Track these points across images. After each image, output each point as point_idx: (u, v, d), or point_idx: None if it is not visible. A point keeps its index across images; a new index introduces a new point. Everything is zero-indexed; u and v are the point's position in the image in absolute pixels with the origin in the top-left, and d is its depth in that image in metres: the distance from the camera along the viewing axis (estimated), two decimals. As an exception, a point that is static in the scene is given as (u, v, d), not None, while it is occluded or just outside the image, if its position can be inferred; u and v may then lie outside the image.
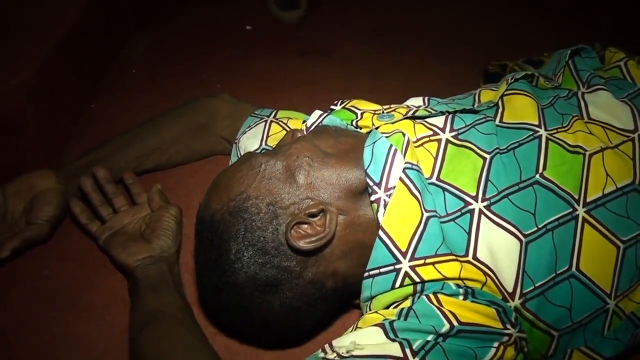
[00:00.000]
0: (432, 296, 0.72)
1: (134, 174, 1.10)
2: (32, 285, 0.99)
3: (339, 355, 0.68)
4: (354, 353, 0.67)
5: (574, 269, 0.74)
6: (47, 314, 0.94)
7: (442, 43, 1.66)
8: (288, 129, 1.06)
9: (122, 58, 1.57)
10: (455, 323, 0.69)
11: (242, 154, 1.08)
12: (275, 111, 1.13)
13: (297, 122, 1.08)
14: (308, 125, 0.98)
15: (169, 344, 0.74)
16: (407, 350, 0.67)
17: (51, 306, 0.95)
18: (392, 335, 0.69)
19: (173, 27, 1.75)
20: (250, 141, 1.07)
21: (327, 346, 0.71)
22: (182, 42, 1.68)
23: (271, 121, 1.09)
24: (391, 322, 0.70)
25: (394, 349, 0.67)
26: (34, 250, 1.03)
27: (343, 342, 0.70)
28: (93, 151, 1.11)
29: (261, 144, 1.06)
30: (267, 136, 1.07)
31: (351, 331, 0.73)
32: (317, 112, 0.98)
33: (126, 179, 1.09)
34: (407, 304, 0.73)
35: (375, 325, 0.71)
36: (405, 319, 0.70)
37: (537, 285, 0.73)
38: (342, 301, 0.85)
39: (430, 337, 0.68)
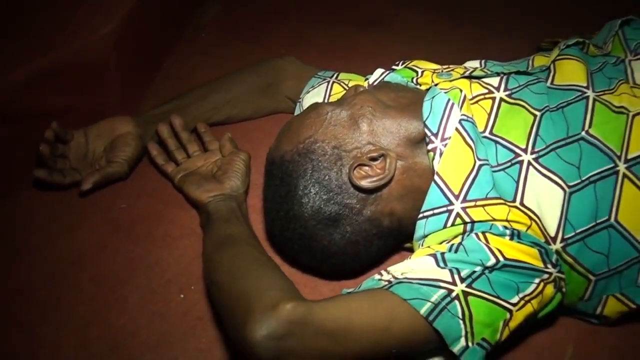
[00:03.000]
0: (480, 234, 0.79)
1: (207, 124, 1.20)
2: (111, 216, 1.09)
3: (393, 276, 0.76)
4: (407, 275, 0.75)
5: (612, 219, 0.80)
6: (125, 241, 1.05)
7: (501, 17, 1.71)
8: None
9: (194, 21, 1.66)
10: (500, 258, 0.76)
11: (305, 112, 1.17)
12: (337, 73, 1.21)
13: (358, 83, 1.16)
14: (370, 82, 1.06)
15: (244, 261, 0.82)
16: (456, 276, 0.74)
17: (129, 234, 1.06)
18: (442, 264, 0.76)
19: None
20: (313, 100, 1.15)
21: (382, 271, 0.79)
22: (249, 10, 1.76)
23: (333, 82, 1.17)
24: (442, 254, 0.78)
25: (444, 274, 0.75)
26: (112, 186, 1.14)
27: (397, 267, 0.79)
28: (169, 102, 1.21)
29: (323, 103, 1.14)
30: (329, 95, 1.15)
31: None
32: (380, 70, 1.06)
33: (199, 128, 1.18)
34: (457, 240, 0.80)
35: (428, 255, 0.78)
36: (455, 252, 0.78)
37: (577, 231, 0.80)
38: (396, 241, 0.93)
39: (477, 268, 0.75)
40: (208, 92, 1.23)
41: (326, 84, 1.17)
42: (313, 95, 1.17)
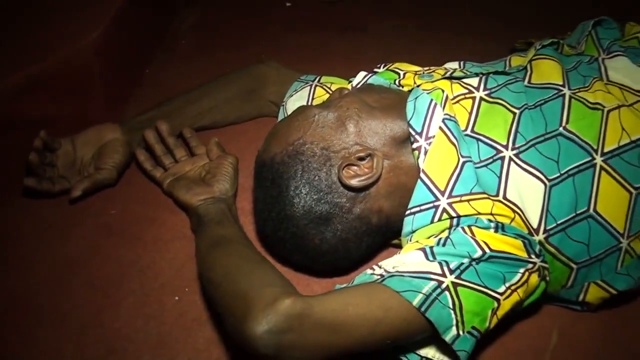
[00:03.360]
0: (466, 228, 0.82)
1: (192, 129, 1.22)
2: (102, 222, 1.10)
3: (385, 270, 0.79)
4: (399, 269, 0.78)
5: (591, 210, 0.84)
6: (117, 245, 1.06)
7: (475, 21, 1.76)
8: (331, 92, 1.17)
9: (172, 29, 1.69)
10: (487, 250, 0.79)
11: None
12: (319, 77, 1.24)
13: (340, 86, 1.18)
14: (354, 85, 1.09)
15: (239, 260, 0.84)
16: (445, 268, 0.77)
17: (120, 239, 1.07)
18: (431, 258, 0.79)
19: (218, 3, 1.87)
20: (297, 103, 1.18)
21: (374, 265, 0.82)
22: (226, 17, 1.79)
23: (316, 85, 1.20)
24: (431, 247, 0.81)
25: (434, 267, 0.78)
26: (102, 193, 1.15)
27: (388, 262, 0.82)
28: (154, 108, 1.22)
29: (307, 106, 1.16)
30: (312, 99, 1.18)
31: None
32: (362, 73, 1.10)
33: (185, 133, 1.20)
34: (444, 234, 0.83)
35: (417, 249, 0.81)
36: (443, 246, 0.81)
37: (558, 222, 0.84)
38: (384, 237, 0.96)
39: (465, 260, 0.78)
40: (192, 98, 1.25)
41: (309, 87, 1.20)
42: (296, 99, 1.20)
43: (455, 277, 0.77)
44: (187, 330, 0.92)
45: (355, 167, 0.89)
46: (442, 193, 0.85)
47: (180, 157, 1.16)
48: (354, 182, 0.88)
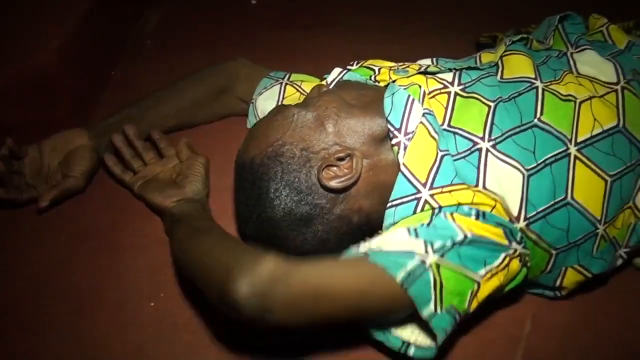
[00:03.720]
0: (448, 214, 0.83)
1: (160, 131, 1.19)
2: (72, 231, 1.08)
3: (370, 249, 0.80)
4: (383, 248, 0.79)
5: (569, 197, 0.86)
6: (90, 253, 1.04)
7: (441, 17, 1.77)
8: (302, 91, 1.17)
9: (137, 31, 1.67)
10: (468, 234, 0.80)
11: (259, 114, 1.19)
12: (288, 74, 1.23)
13: (310, 84, 1.18)
14: (329, 82, 1.09)
15: (219, 239, 0.85)
16: (429, 247, 0.78)
17: (93, 247, 1.05)
18: (414, 236, 0.80)
19: (182, 2, 1.86)
20: (267, 102, 1.18)
21: (360, 244, 0.83)
22: (191, 17, 1.78)
23: (286, 83, 1.20)
24: (415, 228, 0.81)
25: (418, 245, 0.78)
26: (72, 200, 1.12)
27: (373, 241, 0.82)
28: (121, 111, 1.20)
29: (277, 106, 1.15)
30: (283, 98, 1.17)
31: None
32: (337, 70, 1.09)
33: (153, 135, 1.18)
34: (426, 221, 0.83)
35: (401, 227, 0.82)
36: (427, 227, 0.81)
37: (539, 210, 0.85)
38: (364, 235, 0.95)
39: (448, 242, 0.79)
40: (160, 99, 1.24)
41: (279, 85, 1.20)
42: (266, 98, 1.19)
43: (439, 257, 0.78)
44: (164, 336, 0.91)
45: (335, 168, 0.89)
46: (423, 185, 0.86)
47: (150, 160, 1.14)
48: (334, 183, 0.88)
